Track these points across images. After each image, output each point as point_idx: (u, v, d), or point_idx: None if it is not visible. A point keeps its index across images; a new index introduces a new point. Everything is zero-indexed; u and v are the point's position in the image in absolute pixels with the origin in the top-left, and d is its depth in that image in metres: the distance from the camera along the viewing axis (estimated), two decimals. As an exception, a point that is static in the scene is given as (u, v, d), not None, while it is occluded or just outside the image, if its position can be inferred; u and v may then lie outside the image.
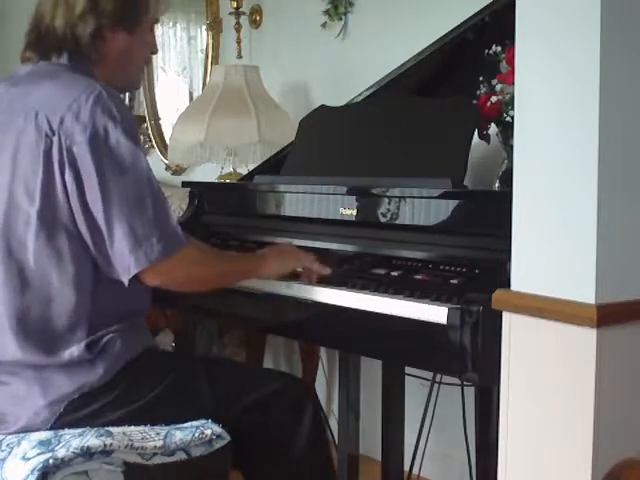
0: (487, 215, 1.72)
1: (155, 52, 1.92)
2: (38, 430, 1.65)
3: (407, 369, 2.37)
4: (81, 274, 1.66)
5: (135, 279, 1.65)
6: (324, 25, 3.13)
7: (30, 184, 1.64)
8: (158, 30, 4.02)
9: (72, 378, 1.66)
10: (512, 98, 1.65)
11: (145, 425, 1.67)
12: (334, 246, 2.00)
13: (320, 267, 1.87)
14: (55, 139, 1.62)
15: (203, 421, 1.71)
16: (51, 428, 1.65)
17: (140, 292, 1.74)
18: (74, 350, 1.66)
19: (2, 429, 1.67)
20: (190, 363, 1.88)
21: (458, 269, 1.72)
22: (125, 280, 1.64)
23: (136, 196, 1.63)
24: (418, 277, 1.74)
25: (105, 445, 1.56)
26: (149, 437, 1.62)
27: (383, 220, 1.91)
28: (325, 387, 3.22)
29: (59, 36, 1.73)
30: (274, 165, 2.43)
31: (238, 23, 3.36)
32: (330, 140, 2.27)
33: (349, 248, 1.97)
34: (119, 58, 1.78)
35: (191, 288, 1.80)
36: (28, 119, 1.65)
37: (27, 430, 1.65)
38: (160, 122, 4.05)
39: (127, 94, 4.21)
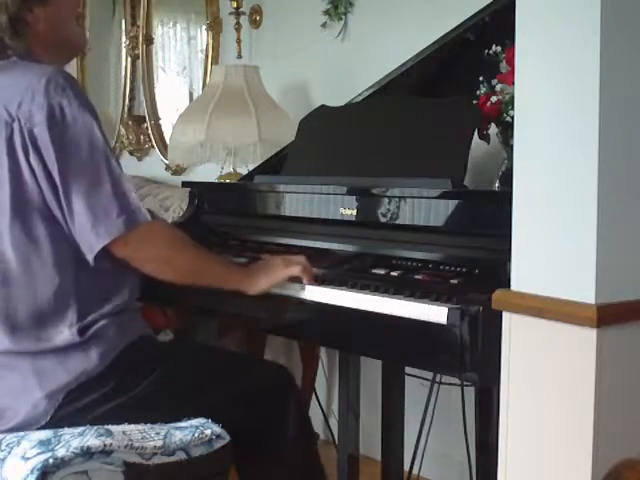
0: (487, 215, 1.72)
1: (78, 6, 1.91)
2: (38, 423, 1.66)
3: (407, 369, 2.37)
4: (61, 255, 1.68)
5: (103, 254, 1.66)
6: (324, 25, 3.13)
7: None
8: (158, 30, 4.05)
9: (67, 367, 1.67)
10: (512, 98, 1.65)
11: (143, 414, 1.68)
12: (334, 246, 2.00)
13: (309, 276, 1.82)
14: (15, 125, 1.65)
15: (203, 421, 1.71)
16: (50, 420, 1.66)
17: (124, 272, 1.74)
18: (66, 334, 1.67)
19: (1, 424, 1.68)
20: (184, 351, 1.89)
21: (458, 269, 1.72)
22: (90, 257, 1.66)
23: (93, 172, 1.65)
24: (418, 277, 1.74)
25: (105, 445, 1.56)
26: (149, 437, 1.62)
27: (383, 220, 1.91)
28: (325, 387, 3.22)
29: None
30: (274, 165, 2.43)
31: (238, 23, 3.36)
32: (330, 140, 2.27)
33: (349, 248, 1.97)
34: (48, 33, 1.78)
35: (161, 271, 1.75)
36: None
37: (27, 424, 1.66)
38: (160, 122, 4.06)
39: (127, 94, 4.24)
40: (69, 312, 1.68)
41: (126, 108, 4.28)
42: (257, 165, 2.65)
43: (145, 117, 4.12)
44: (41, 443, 1.57)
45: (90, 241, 1.65)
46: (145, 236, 1.69)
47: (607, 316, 1.32)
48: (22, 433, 1.64)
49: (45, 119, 1.63)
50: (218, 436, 1.68)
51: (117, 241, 1.65)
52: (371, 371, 2.60)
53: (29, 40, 1.75)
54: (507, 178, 1.92)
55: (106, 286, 1.73)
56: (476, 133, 2.02)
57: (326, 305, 1.77)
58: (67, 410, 1.67)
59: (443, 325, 1.53)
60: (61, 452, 1.53)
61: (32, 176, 1.65)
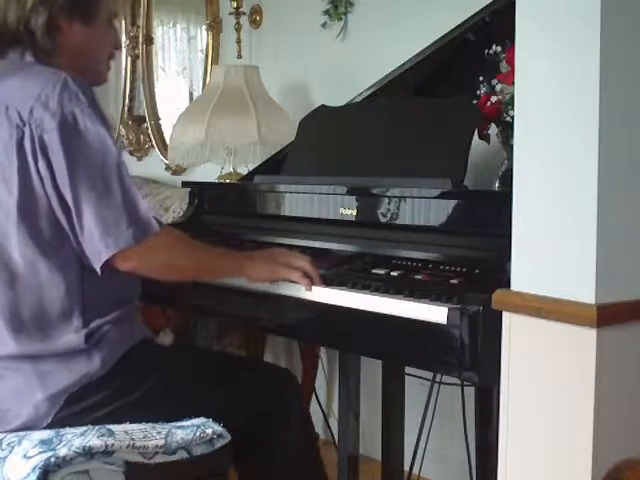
0: (487, 215, 1.72)
1: (118, 48, 1.91)
2: (39, 425, 1.66)
3: (407, 369, 2.37)
4: (67, 261, 1.67)
5: (107, 266, 1.65)
6: (324, 25, 3.13)
7: (8, 177, 1.65)
8: (158, 30, 4.05)
9: (70, 370, 1.67)
10: (512, 98, 1.65)
11: (144, 417, 1.68)
12: (334, 246, 2.00)
13: (308, 284, 1.81)
14: (26, 129, 1.63)
15: (204, 420, 1.71)
16: (51, 422, 1.66)
17: (130, 279, 1.74)
18: (71, 339, 1.67)
19: (2, 426, 1.68)
20: (185, 355, 1.90)
21: (458, 269, 1.72)
22: (97, 267, 1.65)
23: (104, 182, 1.64)
24: (418, 277, 1.74)
25: (107, 446, 1.56)
26: (151, 436, 1.63)
27: (383, 220, 1.91)
28: (325, 387, 3.22)
29: (13, 31, 1.73)
30: (274, 165, 2.43)
31: (238, 23, 3.36)
32: (330, 140, 2.27)
33: (349, 248, 1.97)
34: (78, 51, 1.77)
35: (166, 276, 1.78)
36: None
37: (28, 426, 1.66)
38: (160, 122, 4.06)
39: (127, 94, 4.24)
40: (74, 318, 1.67)
41: (126, 108, 4.28)
42: (257, 165, 2.65)
43: (145, 117, 4.12)
44: (43, 442, 1.58)
45: (99, 250, 1.64)
46: (152, 248, 1.68)
47: (607, 316, 1.32)
48: (23, 432, 1.64)
49: (57, 126, 1.61)
50: (219, 435, 1.68)
51: (124, 252, 1.64)
52: (371, 371, 2.60)
53: (57, 45, 1.74)
54: (507, 178, 1.92)
55: (112, 293, 1.72)
56: (476, 133, 2.02)
57: (326, 305, 1.77)
58: (68, 412, 1.66)
59: (443, 325, 1.53)
60: (63, 451, 1.53)
61: (40, 182, 1.63)
